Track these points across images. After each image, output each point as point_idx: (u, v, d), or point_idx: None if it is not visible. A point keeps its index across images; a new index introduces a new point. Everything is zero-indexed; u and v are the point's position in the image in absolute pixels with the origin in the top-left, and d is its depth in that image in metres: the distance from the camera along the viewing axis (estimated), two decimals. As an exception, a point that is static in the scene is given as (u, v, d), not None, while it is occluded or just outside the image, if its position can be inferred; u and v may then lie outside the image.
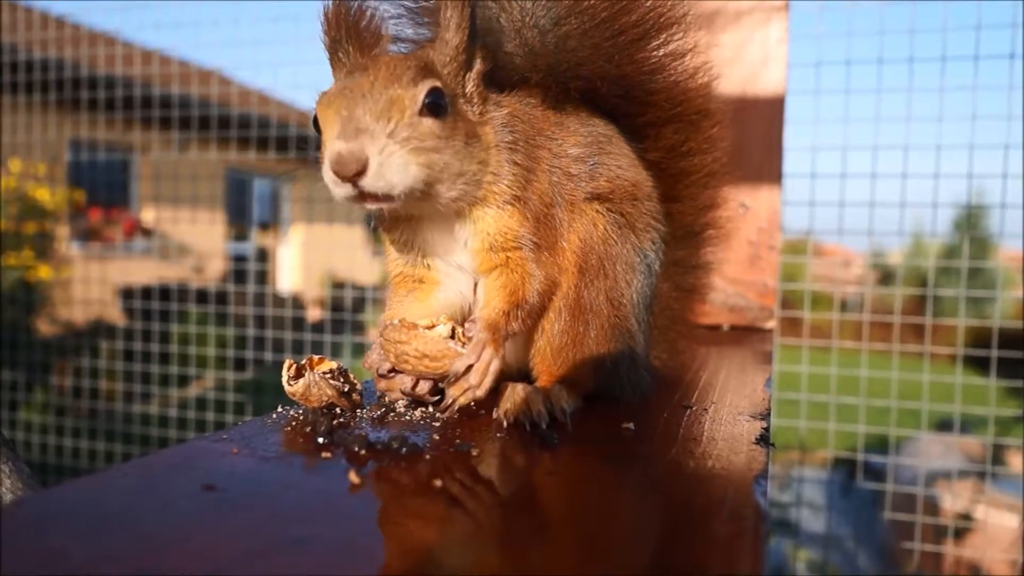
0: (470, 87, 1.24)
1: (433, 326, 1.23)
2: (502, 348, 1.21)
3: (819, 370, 4.19)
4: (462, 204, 1.23)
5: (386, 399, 1.30)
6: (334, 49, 1.23)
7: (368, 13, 1.25)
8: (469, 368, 1.17)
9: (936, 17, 3.89)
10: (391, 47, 1.37)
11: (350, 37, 1.22)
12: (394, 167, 1.08)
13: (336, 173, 1.07)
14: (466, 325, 1.23)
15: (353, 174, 1.06)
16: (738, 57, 2.63)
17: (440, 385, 1.23)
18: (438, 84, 1.15)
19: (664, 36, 1.44)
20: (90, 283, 7.61)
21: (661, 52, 1.45)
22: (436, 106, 1.14)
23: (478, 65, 1.26)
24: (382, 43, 1.26)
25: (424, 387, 1.23)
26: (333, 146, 1.07)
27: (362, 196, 1.10)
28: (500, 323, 1.22)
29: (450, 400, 1.18)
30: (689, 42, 1.47)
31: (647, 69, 1.45)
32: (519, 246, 1.26)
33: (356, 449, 1.01)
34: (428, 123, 1.13)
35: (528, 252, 1.26)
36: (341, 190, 1.10)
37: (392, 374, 1.25)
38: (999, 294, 4.44)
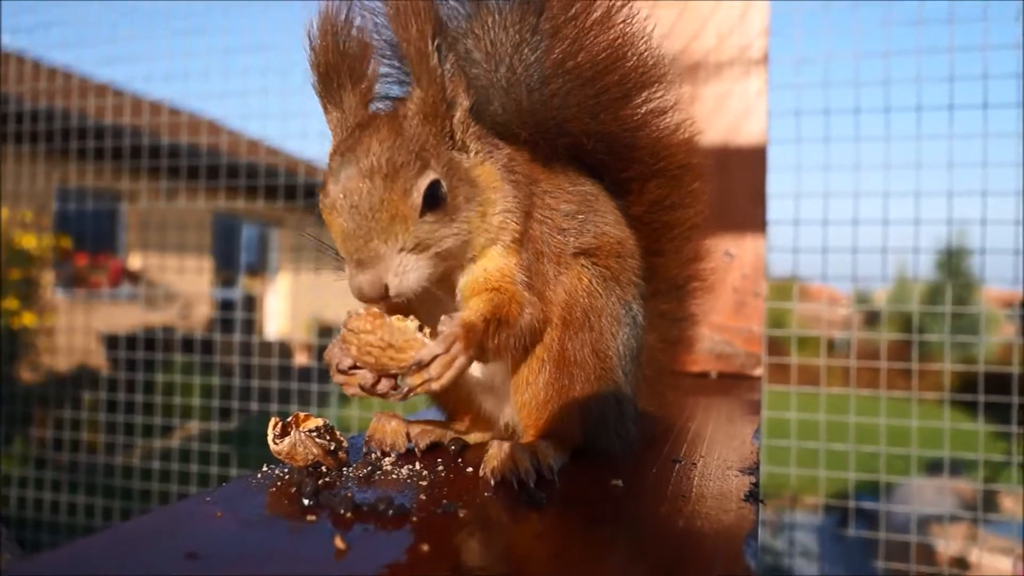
0: (459, 134, 1.25)
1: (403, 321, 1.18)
2: (472, 351, 1.17)
3: (808, 416, 4.19)
4: (475, 251, 1.26)
5: (372, 457, 1.29)
6: (325, 83, 1.25)
7: (355, 44, 1.26)
8: (434, 359, 1.13)
9: (910, 69, 3.99)
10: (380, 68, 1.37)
11: (339, 70, 1.24)
12: (410, 275, 1.17)
13: (361, 300, 1.16)
14: (441, 318, 1.18)
15: (377, 299, 1.15)
16: (720, 108, 2.68)
17: (399, 382, 1.18)
18: (433, 176, 1.17)
19: (646, 94, 1.47)
20: (74, 331, 7.55)
21: (644, 109, 1.48)
22: (434, 198, 1.17)
23: (463, 104, 1.25)
24: (371, 71, 1.28)
25: (385, 385, 1.18)
26: (354, 279, 1.15)
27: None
28: (477, 326, 1.18)
29: (405, 389, 1.14)
30: (671, 99, 1.50)
31: (631, 125, 1.48)
32: (513, 282, 1.26)
33: (342, 512, 1.00)
34: (429, 219, 1.17)
35: (521, 288, 1.26)
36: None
37: (353, 371, 1.20)
38: (983, 338, 4.47)
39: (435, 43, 1.18)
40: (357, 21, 1.27)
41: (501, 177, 1.27)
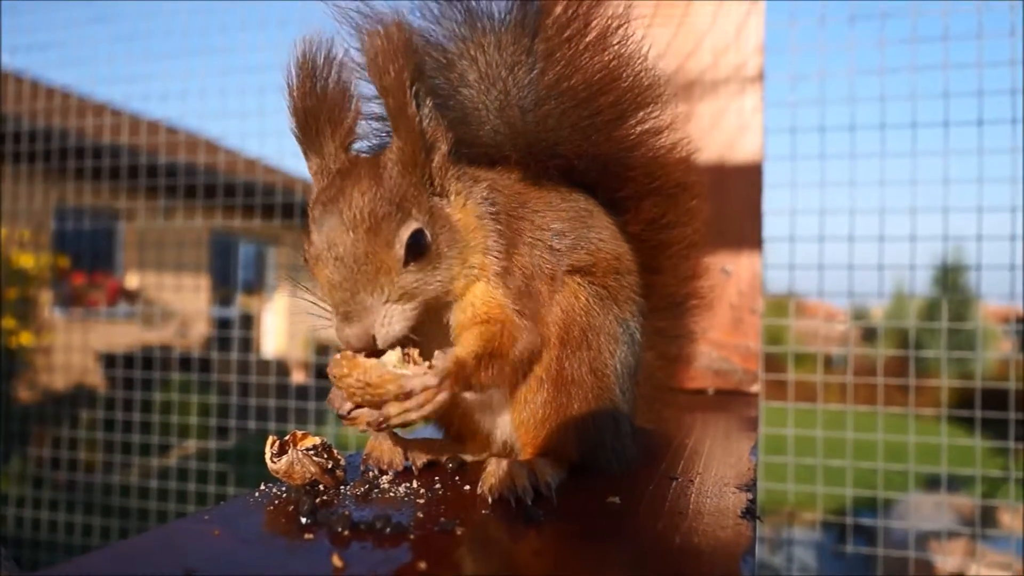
0: (438, 179, 1.25)
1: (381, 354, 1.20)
2: (458, 389, 1.18)
3: (805, 432, 4.18)
4: (459, 291, 1.27)
5: (370, 475, 1.30)
6: (304, 129, 1.25)
7: (334, 83, 1.25)
8: (424, 391, 1.13)
9: (905, 86, 4.02)
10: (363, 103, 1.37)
11: (318, 115, 1.24)
12: (396, 325, 1.18)
13: (349, 350, 1.17)
14: (435, 353, 1.18)
15: (364, 349, 1.17)
16: (716, 126, 2.69)
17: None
18: (416, 226, 1.18)
19: (641, 114, 1.48)
20: (72, 350, 7.54)
21: (638, 130, 1.49)
22: (418, 246, 1.18)
23: (441, 148, 1.26)
24: (352, 112, 1.27)
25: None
26: (342, 331, 1.18)
27: None
28: (470, 365, 1.20)
29: (384, 416, 1.13)
30: (666, 119, 1.51)
31: (625, 146, 1.48)
32: (503, 311, 1.26)
33: (339, 529, 1.00)
34: (412, 269, 1.18)
35: (513, 316, 1.26)
36: None
37: (355, 412, 1.19)
38: (980, 354, 4.48)
39: (413, 90, 1.19)
40: (338, 58, 1.26)
41: (481, 216, 1.28)
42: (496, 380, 1.26)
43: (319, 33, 1.26)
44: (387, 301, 1.17)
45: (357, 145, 1.32)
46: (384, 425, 1.16)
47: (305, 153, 1.28)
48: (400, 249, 1.17)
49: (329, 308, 1.20)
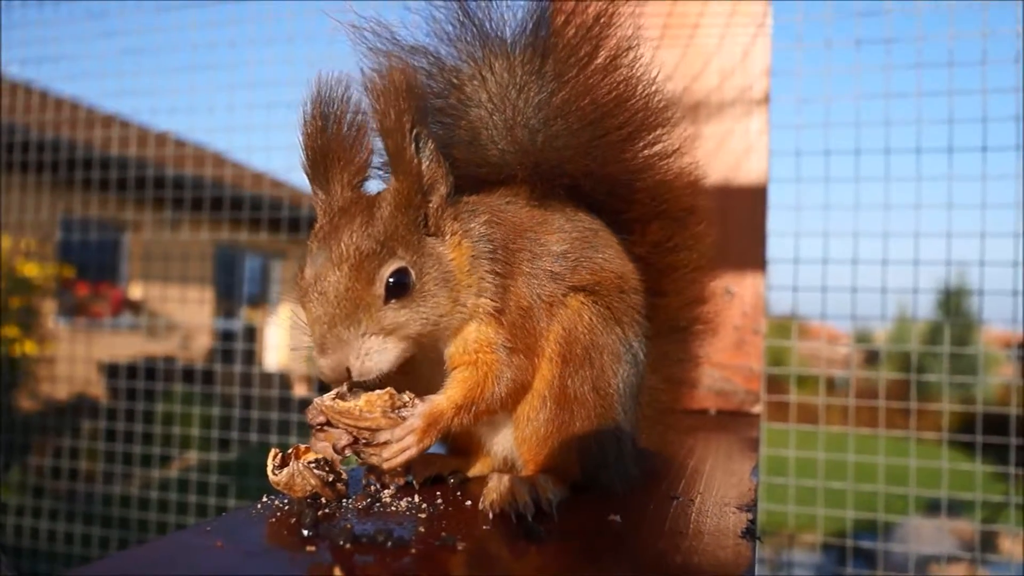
0: (433, 219, 1.28)
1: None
2: (432, 439, 1.24)
3: (806, 454, 4.18)
4: (451, 329, 1.30)
5: (371, 489, 1.30)
6: (313, 166, 1.28)
7: (348, 122, 1.28)
8: (386, 444, 1.22)
9: (910, 111, 4.04)
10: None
11: (327, 154, 1.27)
12: (374, 360, 1.22)
13: (326, 382, 1.23)
14: (415, 401, 1.25)
15: (341, 381, 1.21)
16: (721, 147, 2.71)
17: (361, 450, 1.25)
18: (398, 265, 1.21)
19: (649, 137, 1.49)
20: (75, 360, 7.55)
21: (646, 152, 1.51)
22: (400, 285, 1.21)
23: (440, 190, 1.28)
24: (364, 152, 1.29)
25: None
26: (318, 363, 1.22)
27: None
28: (445, 415, 1.25)
29: (357, 459, 1.24)
30: (674, 143, 1.52)
31: (633, 168, 1.50)
32: (493, 350, 1.29)
33: (341, 543, 1.00)
34: (394, 306, 1.21)
35: (501, 354, 1.29)
36: None
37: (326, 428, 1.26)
38: (982, 379, 4.48)
39: (413, 134, 1.22)
40: (354, 96, 1.28)
41: (477, 255, 1.30)
42: (475, 422, 1.31)
43: (338, 71, 1.28)
44: (364, 334, 1.20)
45: (370, 182, 1.34)
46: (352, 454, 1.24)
47: (313, 189, 1.31)
48: (380, 287, 1.20)
49: (311, 340, 1.23)
